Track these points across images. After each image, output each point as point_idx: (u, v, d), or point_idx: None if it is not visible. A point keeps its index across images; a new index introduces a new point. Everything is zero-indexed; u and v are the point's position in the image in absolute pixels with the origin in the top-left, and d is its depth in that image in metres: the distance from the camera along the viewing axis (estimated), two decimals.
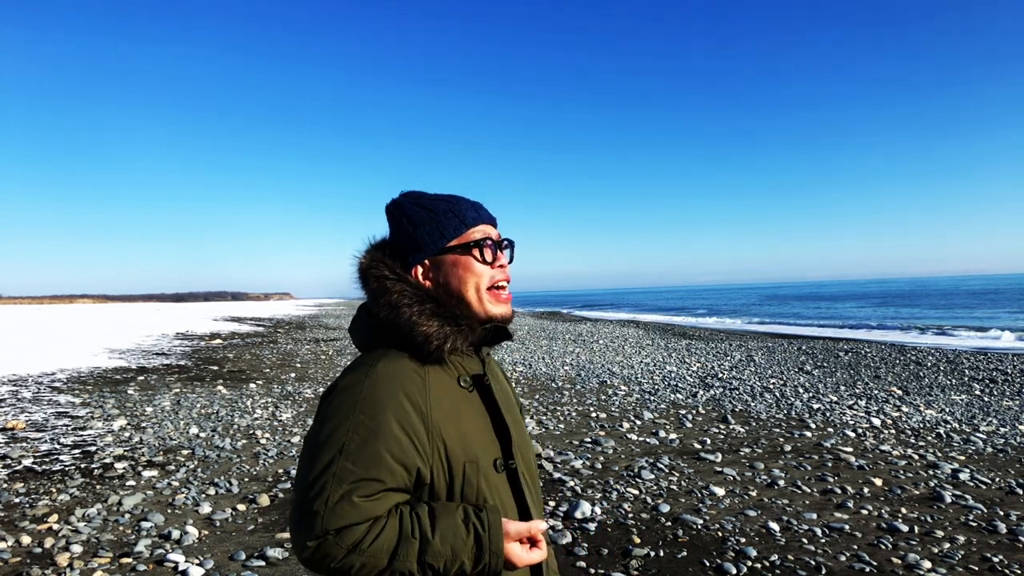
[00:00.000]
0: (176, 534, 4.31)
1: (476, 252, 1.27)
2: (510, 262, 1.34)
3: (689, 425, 7.72)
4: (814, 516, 4.56)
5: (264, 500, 5.03)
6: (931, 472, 5.58)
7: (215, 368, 14.30)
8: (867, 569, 3.70)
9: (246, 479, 5.66)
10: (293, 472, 5.79)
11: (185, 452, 6.55)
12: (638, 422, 7.92)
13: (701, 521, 4.48)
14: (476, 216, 1.31)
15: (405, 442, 1.11)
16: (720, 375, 12.34)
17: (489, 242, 1.29)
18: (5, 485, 5.42)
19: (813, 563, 3.78)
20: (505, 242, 1.34)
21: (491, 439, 1.25)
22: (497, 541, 1.13)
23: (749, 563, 3.80)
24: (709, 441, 6.88)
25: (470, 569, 1.11)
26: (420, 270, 1.27)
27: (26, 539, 4.25)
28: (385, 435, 1.10)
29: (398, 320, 1.19)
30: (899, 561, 3.79)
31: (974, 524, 4.36)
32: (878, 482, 5.30)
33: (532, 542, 1.21)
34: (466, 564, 1.10)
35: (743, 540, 4.15)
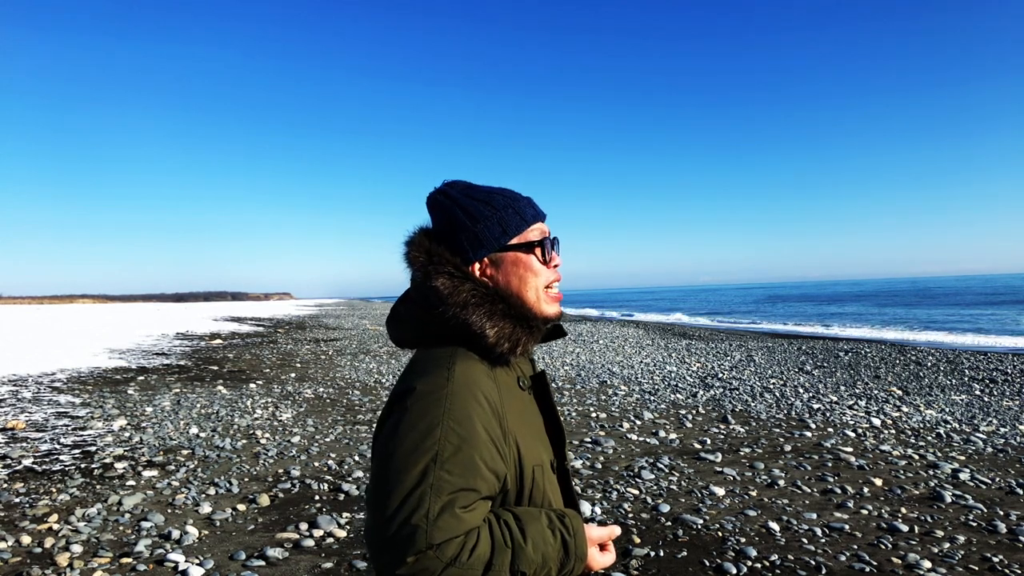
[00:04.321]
0: (176, 534, 4.31)
1: (538, 252, 1.25)
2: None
3: (689, 425, 7.72)
4: (814, 516, 4.56)
5: (264, 500, 5.03)
6: (931, 472, 5.58)
7: (215, 368, 14.30)
8: (867, 569, 3.70)
9: (246, 479, 5.66)
10: (293, 472, 5.79)
11: (185, 452, 6.55)
12: (638, 422, 7.92)
13: (701, 521, 4.48)
14: (535, 213, 1.27)
15: (493, 449, 1.08)
16: (720, 375, 12.34)
17: (548, 241, 1.27)
18: (5, 485, 5.42)
19: (813, 563, 3.78)
20: (555, 239, 1.31)
21: (547, 439, 1.25)
22: (582, 546, 1.13)
23: (749, 563, 3.80)
24: (709, 441, 6.88)
25: (555, 574, 1.11)
26: (478, 267, 1.23)
27: (26, 539, 4.25)
28: (477, 442, 1.05)
29: (468, 320, 1.14)
30: (899, 561, 3.79)
31: (974, 524, 4.36)
32: (878, 482, 5.30)
33: (601, 545, 1.23)
34: (552, 570, 1.10)
35: (743, 540, 4.15)
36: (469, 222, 1.22)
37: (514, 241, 1.23)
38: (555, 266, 1.28)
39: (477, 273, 1.22)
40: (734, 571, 3.69)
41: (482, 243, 1.21)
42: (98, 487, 5.41)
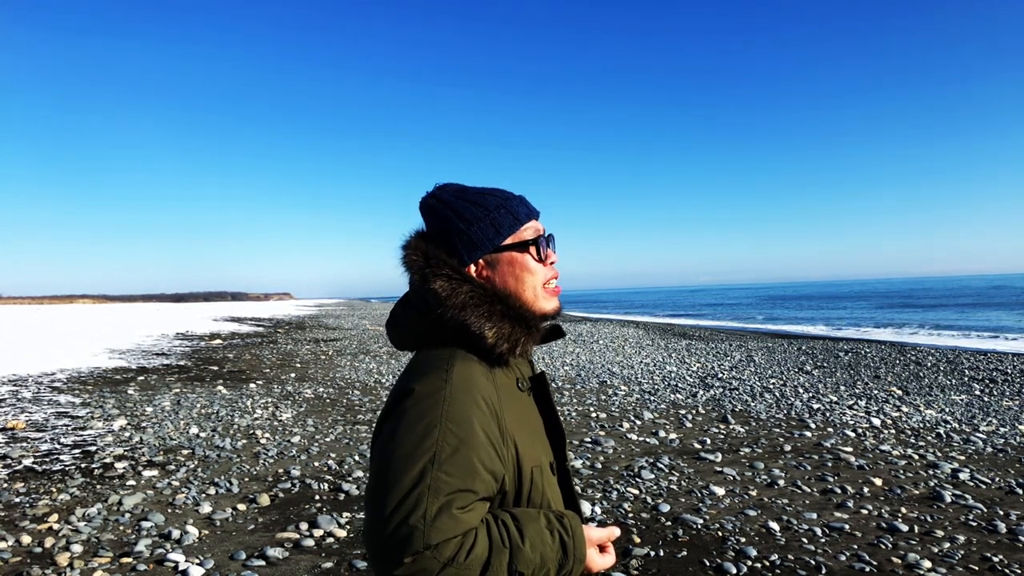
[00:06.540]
0: (176, 534, 4.31)
1: (533, 250, 1.25)
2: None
3: (689, 425, 7.72)
4: (814, 516, 4.57)
5: (264, 500, 5.03)
6: (931, 472, 5.58)
7: (215, 368, 14.30)
8: (867, 569, 3.70)
9: (246, 479, 5.66)
10: (293, 472, 5.79)
11: (185, 452, 6.55)
12: (638, 422, 7.92)
13: (701, 521, 4.48)
14: (527, 212, 1.27)
15: (491, 450, 1.08)
16: (720, 375, 12.34)
17: (542, 239, 1.27)
18: (5, 485, 5.42)
19: (813, 563, 3.78)
20: (550, 236, 1.31)
21: (546, 440, 1.25)
22: (581, 547, 1.13)
23: (749, 563, 3.80)
24: (709, 441, 6.88)
25: (554, 575, 1.11)
26: (474, 269, 1.23)
27: (26, 539, 4.25)
28: (475, 444, 1.06)
29: (467, 321, 1.14)
30: (899, 561, 3.80)
31: (974, 524, 4.36)
32: (878, 482, 5.31)
33: (600, 547, 1.22)
34: (551, 571, 1.10)
35: (743, 540, 4.16)
36: (463, 224, 1.21)
37: (508, 241, 1.24)
38: (551, 263, 1.28)
39: (474, 275, 1.22)
40: (734, 571, 3.69)
41: (476, 245, 1.21)
42: (98, 487, 5.41)
